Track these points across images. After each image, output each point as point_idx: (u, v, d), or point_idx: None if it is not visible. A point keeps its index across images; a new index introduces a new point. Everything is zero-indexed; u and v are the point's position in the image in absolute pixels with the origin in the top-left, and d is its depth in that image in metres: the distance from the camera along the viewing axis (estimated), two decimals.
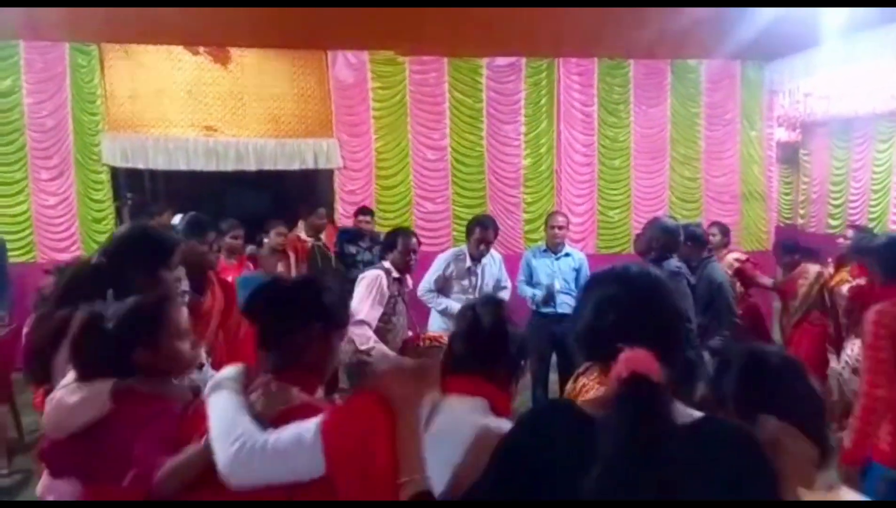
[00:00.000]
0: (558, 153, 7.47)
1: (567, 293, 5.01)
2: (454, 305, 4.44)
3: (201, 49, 6.60)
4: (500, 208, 7.26)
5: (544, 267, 5.07)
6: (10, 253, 6.30)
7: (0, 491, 4.03)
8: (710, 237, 5.25)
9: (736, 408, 1.42)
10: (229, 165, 6.71)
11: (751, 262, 5.59)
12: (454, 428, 1.43)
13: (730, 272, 5.37)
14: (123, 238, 2.33)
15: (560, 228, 5.11)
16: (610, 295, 1.26)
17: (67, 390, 1.74)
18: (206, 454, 1.45)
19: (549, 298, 4.87)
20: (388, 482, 1.31)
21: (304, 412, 1.49)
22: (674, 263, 3.98)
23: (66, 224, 6.53)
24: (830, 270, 5.15)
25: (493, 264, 4.83)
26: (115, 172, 6.67)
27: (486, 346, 1.60)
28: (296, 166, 6.90)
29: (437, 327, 4.46)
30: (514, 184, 7.40)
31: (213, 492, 1.44)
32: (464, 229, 7.09)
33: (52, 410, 1.74)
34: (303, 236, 5.50)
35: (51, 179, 6.48)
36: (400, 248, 3.96)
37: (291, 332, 1.59)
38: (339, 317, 1.70)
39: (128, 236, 2.34)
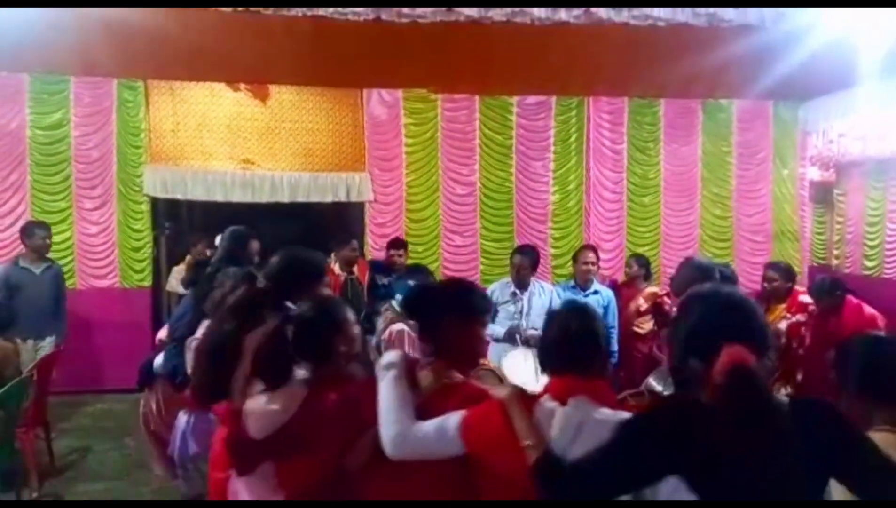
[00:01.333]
0: (587, 190, 7.51)
1: None
2: (498, 329, 4.51)
3: (242, 86, 6.85)
4: (527, 242, 7.25)
5: None
6: None
7: None
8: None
9: (857, 393, 1.79)
10: (264, 197, 6.89)
11: (668, 297, 5.04)
12: (597, 433, 1.60)
13: (645, 306, 5.30)
14: (283, 265, 2.65)
15: (592, 264, 5.14)
16: (712, 303, 1.56)
17: (267, 398, 2.07)
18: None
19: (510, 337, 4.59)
20: (513, 458, 1.63)
21: (462, 389, 1.90)
22: None
23: (106, 252, 6.74)
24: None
25: (542, 295, 4.85)
26: (154, 203, 6.89)
27: (579, 347, 1.80)
28: (328, 199, 7.05)
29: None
30: (542, 219, 7.44)
31: (391, 465, 1.81)
32: (491, 262, 7.25)
33: (260, 417, 2.05)
34: (336, 269, 5.51)
35: (94, 209, 6.72)
36: None
37: (441, 324, 1.95)
38: (477, 309, 2.02)
39: (287, 262, 2.66)
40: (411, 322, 3.94)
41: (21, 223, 6.56)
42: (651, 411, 1.70)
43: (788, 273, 4.95)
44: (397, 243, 6.06)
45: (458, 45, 5.35)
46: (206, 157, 6.87)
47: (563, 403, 1.71)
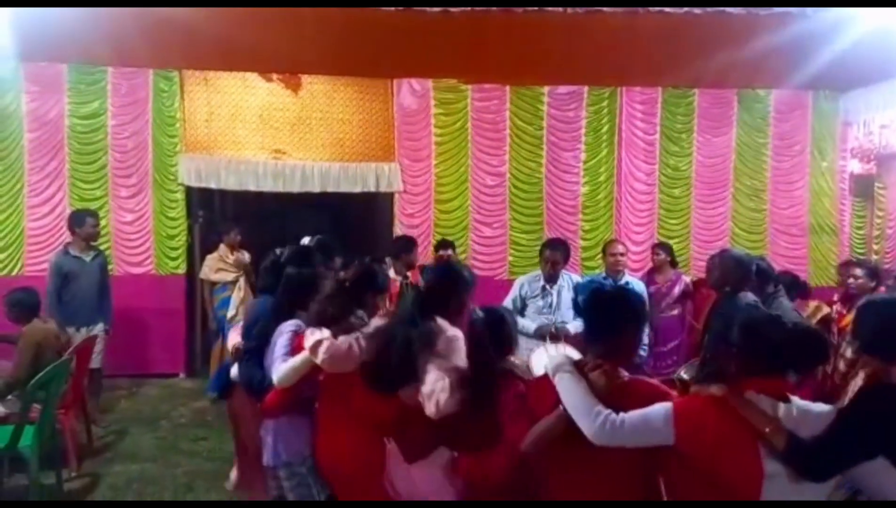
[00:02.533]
0: (618, 181, 7.42)
1: None
2: (529, 324, 4.52)
3: (274, 76, 6.91)
4: (557, 234, 7.19)
5: None
6: None
7: (70, 493, 4.23)
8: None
9: (869, 351, 2.09)
10: (295, 187, 6.95)
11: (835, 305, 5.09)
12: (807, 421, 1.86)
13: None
14: (360, 275, 3.11)
15: (621, 254, 5.10)
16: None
17: (444, 384, 2.31)
18: (561, 422, 2.01)
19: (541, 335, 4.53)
20: (733, 450, 1.86)
21: (636, 387, 2.07)
22: (750, 296, 3.87)
23: (141, 240, 6.88)
24: (837, 308, 4.85)
25: (571, 288, 4.82)
26: (188, 191, 7.00)
27: (779, 352, 1.93)
28: (358, 189, 7.09)
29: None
30: (572, 211, 7.38)
31: (568, 447, 2.02)
32: (520, 254, 7.22)
33: (449, 401, 2.29)
34: (392, 274, 5.11)
35: (129, 197, 6.85)
36: None
37: (619, 329, 2.12)
38: (646, 318, 2.25)
39: (362, 274, 3.10)
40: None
41: (60, 211, 6.78)
42: (869, 395, 2.02)
43: (874, 273, 4.78)
44: (445, 244, 6.04)
45: (489, 34, 5.32)
46: (238, 146, 6.96)
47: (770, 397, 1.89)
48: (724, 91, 7.39)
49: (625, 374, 2.10)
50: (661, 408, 1.94)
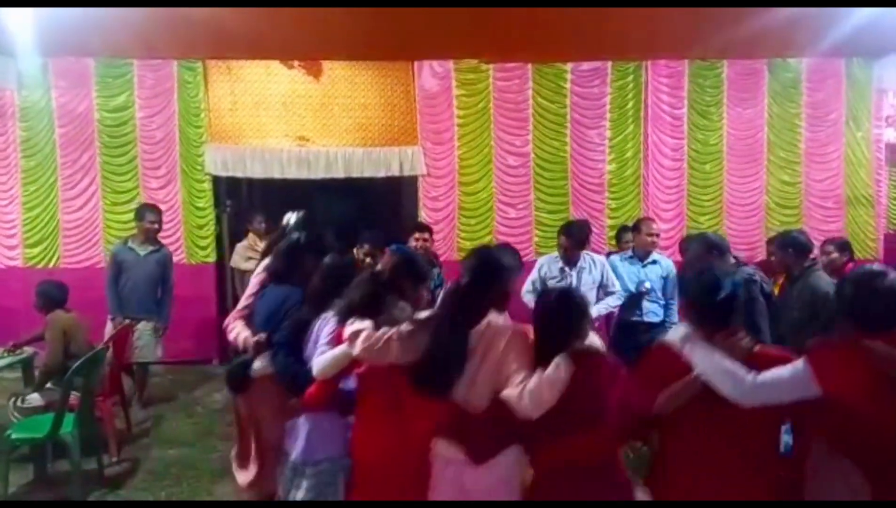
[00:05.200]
0: (645, 158, 7.29)
1: (654, 302, 4.90)
2: None
3: (296, 63, 6.93)
4: (583, 214, 7.16)
5: (630, 274, 4.98)
6: None
7: (110, 479, 4.36)
8: None
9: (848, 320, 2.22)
10: (319, 173, 6.99)
11: None
12: None
13: None
14: (397, 264, 2.95)
15: (657, 235, 5.07)
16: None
17: (537, 377, 2.30)
18: (696, 384, 2.21)
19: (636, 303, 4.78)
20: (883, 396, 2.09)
21: (765, 353, 2.30)
22: (747, 270, 3.91)
23: (172, 229, 6.98)
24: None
25: (593, 269, 4.80)
26: (216, 181, 7.09)
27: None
28: (381, 174, 7.09)
29: None
30: (598, 190, 7.29)
31: (704, 406, 2.21)
32: (546, 235, 7.17)
33: (537, 395, 2.28)
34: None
35: (159, 188, 6.97)
36: None
37: (737, 305, 2.32)
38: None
39: (399, 262, 2.96)
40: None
41: (93, 204, 6.94)
42: None
43: (844, 247, 4.79)
44: (422, 227, 5.51)
45: (509, 12, 5.24)
46: (262, 134, 7.01)
47: None
48: (753, 61, 7.19)
49: (753, 343, 2.29)
50: (799, 364, 2.14)
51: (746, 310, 3.70)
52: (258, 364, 3.13)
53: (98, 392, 4.52)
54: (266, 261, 3.50)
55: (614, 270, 5.02)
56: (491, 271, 2.54)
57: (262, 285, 3.39)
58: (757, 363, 2.19)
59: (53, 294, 4.70)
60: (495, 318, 2.45)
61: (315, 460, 2.87)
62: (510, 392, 2.30)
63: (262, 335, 3.14)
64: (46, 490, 4.18)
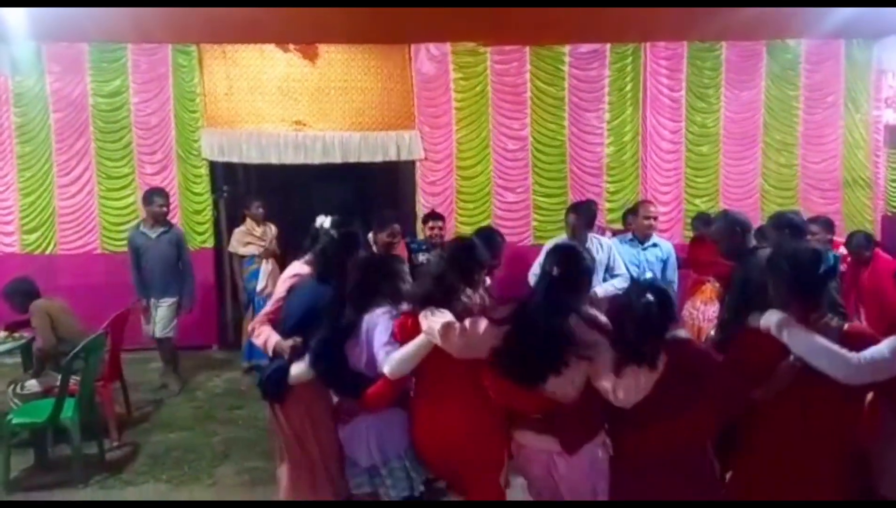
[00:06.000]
0: (643, 141, 7.27)
1: None
2: None
3: (291, 46, 6.87)
4: (581, 197, 7.13)
5: (630, 257, 4.99)
6: (115, 243, 6.81)
7: (111, 463, 4.38)
8: None
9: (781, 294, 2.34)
10: (316, 158, 6.95)
11: None
12: None
13: None
14: (458, 250, 2.89)
15: (655, 218, 5.06)
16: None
17: (632, 373, 2.34)
18: (795, 368, 2.23)
19: None
20: None
21: (856, 330, 2.33)
22: (767, 253, 3.82)
23: (169, 215, 6.93)
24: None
25: (600, 251, 4.77)
26: (212, 166, 7.05)
27: None
28: (379, 159, 7.06)
29: None
30: (596, 173, 7.27)
31: (797, 390, 2.24)
32: (544, 219, 7.17)
33: (633, 386, 2.32)
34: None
35: (155, 174, 6.93)
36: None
37: (820, 285, 2.31)
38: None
39: (460, 248, 2.90)
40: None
41: (89, 189, 6.91)
42: None
43: (829, 226, 5.00)
44: (436, 215, 5.73)
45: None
46: (259, 119, 6.96)
47: None
48: (752, 43, 7.16)
49: (843, 321, 2.32)
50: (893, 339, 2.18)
51: (766, 294, 3.75)
52: (297, 370, 2.92)
53: (97, 377, 4.53)
54: (297, 265, 3.35)
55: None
56: (579, 265, 2.58)
57: (291, 289, 3.20)
58: (849, 341, 2.21)
59: (24, 289, 4.77)
60: (590, 314, 2.51)
61: (388, 458, 2.81)
62: (605, 383, 2.35)
63: (298, 339, 2.95)
64: (47, 475, 4.20)
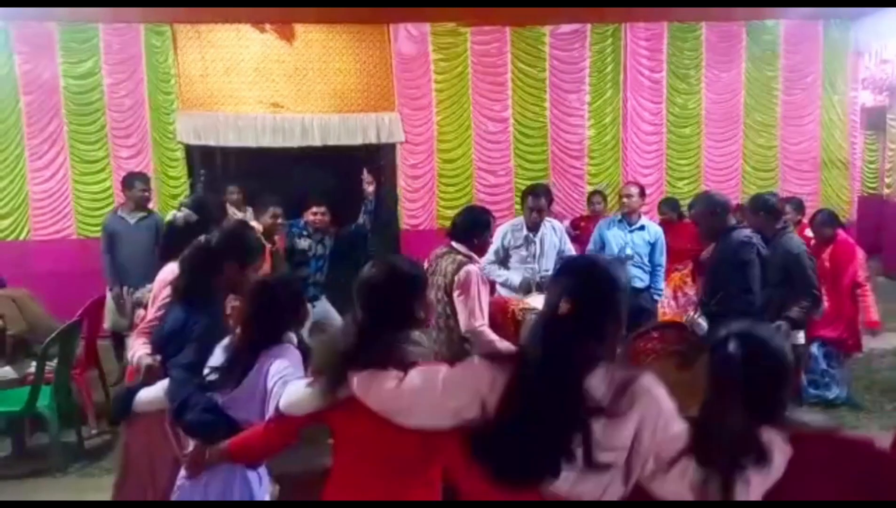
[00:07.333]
0: (624, 122, 7.27)
1: (639, 267, 4.90)
2: (514, 276, 4.34)
3: (267, 26, 6.73)
4: (563, 179, 7.15)
5: (616, 238, 4.98)
6: (92, 228, 6.61)
7: (90, 452, 4.31)
8: None
9: None
10: (295, 142, 6.86)
11: None
12: None
13: None
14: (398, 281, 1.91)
15: (629, 196, 5.00)
16: None
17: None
18: None
19: (526, 288, 4.29)
20: None
21: None
22: (745, 232, 3.87)
23: None
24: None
25: (553, 234, 4.66)
26: (189, 150, 6.92)
27: None
28: (358, 141, 6.98)
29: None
30: (577, 155, 7.26)
31: None
32: None
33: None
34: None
35: (130, 157, 6.79)
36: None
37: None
38: None
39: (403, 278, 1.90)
40: (479, 263, 3.77)
41: (62, 174, 6.75)
42: None
43: (799, 207, 5.16)
44: (318, 202, 4.88)
45: None
46: (235, 101, 6.84)
47: None
48: (732, 24, 7.17)
49: None
50: None
51: (743, 274, 3.78)
52: (146, 395, 2.39)
53: (73, 365, 4.45)
54: (173, 266, 2.76)
55: (601, 233, 5.02)
56: (602, 288, 1.56)
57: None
58: None
59: None
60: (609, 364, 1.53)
61: None
62: (675, 488, 1.43)
63: (157, 358, 2.50)
64: (25, 464, 4.13)
